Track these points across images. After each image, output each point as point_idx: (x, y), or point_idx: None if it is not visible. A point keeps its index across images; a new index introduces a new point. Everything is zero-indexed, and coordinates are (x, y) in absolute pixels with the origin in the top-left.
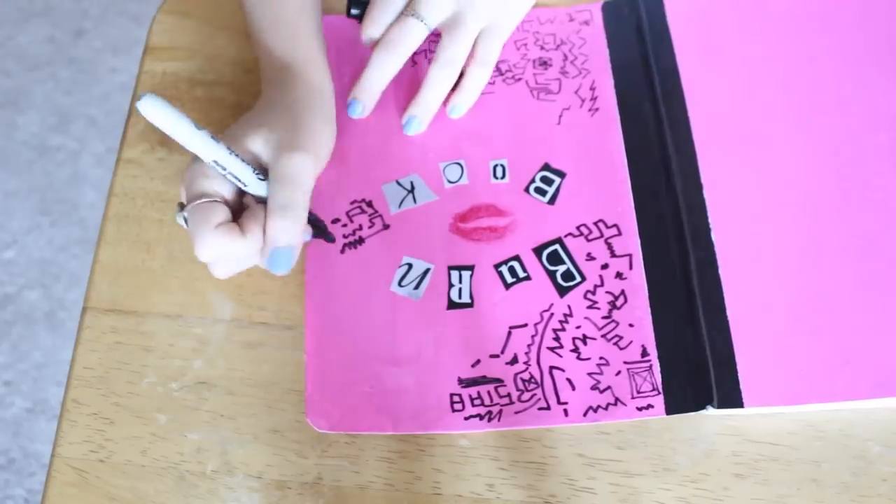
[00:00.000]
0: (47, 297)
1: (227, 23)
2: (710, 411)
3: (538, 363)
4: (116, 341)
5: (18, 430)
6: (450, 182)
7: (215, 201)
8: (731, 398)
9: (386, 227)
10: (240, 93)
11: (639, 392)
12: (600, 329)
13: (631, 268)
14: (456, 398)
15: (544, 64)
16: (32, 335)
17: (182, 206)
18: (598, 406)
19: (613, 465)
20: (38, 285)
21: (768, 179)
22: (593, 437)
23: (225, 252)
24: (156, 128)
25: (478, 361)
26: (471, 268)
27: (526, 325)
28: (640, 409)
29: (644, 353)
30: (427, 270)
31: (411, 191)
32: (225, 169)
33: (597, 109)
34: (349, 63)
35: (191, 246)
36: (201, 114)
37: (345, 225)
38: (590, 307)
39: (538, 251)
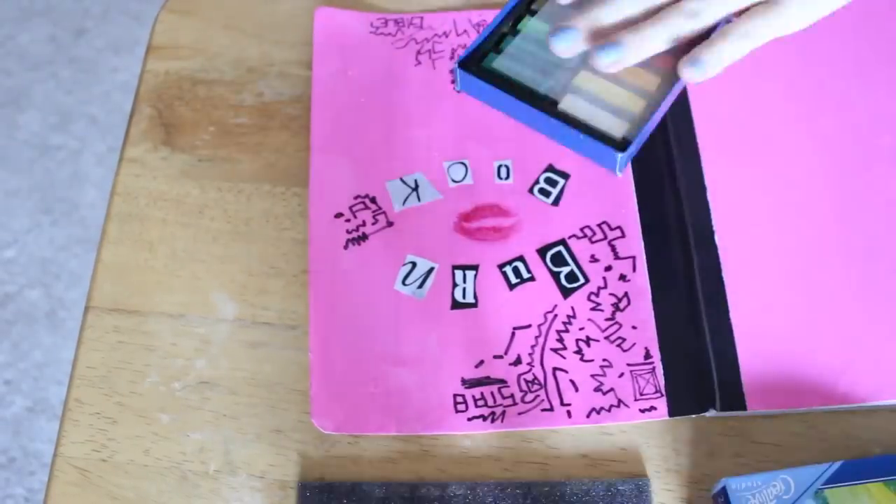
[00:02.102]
0: (48, 297)
1: (229, 22)
2: (712, 412)
3: (542, 364)
4: (119, 341)
5: (19, 429)
6: (454, 181)
7: None
8: (734, 401)
9: (390, 224)
10: (242, 92)
11: (642, 394)
12: (604, 331)
13: (634, 270)
14: (459, 399)
15: None
16: (33, 334)
17: None
18: (602, 408)
19: (616, 465)
20: (39, 284)
21: (772, 182)
22: (596, 438)
23: None
24: (158, 127)
25: (481, 362)
26: (475, 267)
27: (530, 325)
28: (642, 411)
29: (647, 355)
30: (431, 269)
31: (415, 189)
32: None
33: None
34: (353, 58)
35: (193, 246)
36: (203, 113)
37: (348, 220)
38: (593, 309)
39: (542, 252)
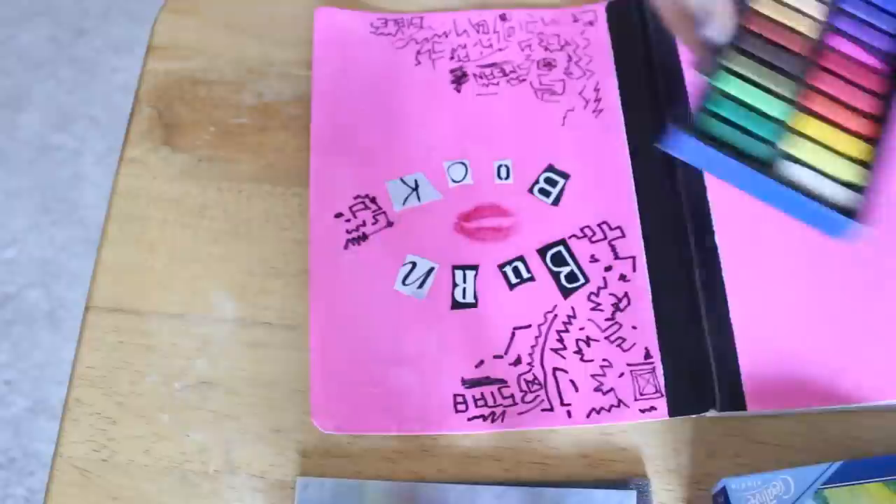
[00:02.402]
0: (48, 297)
1: (229, 22)
2: (712, 413)
3: (542, 364)
4: (119, 340)
5: (19, 429)
6: (454, 181)
7: None
8: (734, 401)
9: (390, 224)
10: (241, 92)
11: (642, 394)
12: (604, 331)
13: (634, 270)
14: (459, 399)
15: (548, 65)
16: (33, 334)
17: None
18: (602, 408)
19: (616, 465)
20: (39, 284)
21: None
22: (596, 438)
23: None
24: (158, 127)
25: (481, 362)
26: (475, 268)
27: (530, 326)
28: (642, 411)
29: (647, 355)
30: (431, 269)
31: (415, 189)
32: None
33: (601, 111)
34: (353, 58)
35: (193, 246)
36: (203, 113)
37: (348, 220)
38: (593, 309)
39: (542, 252)
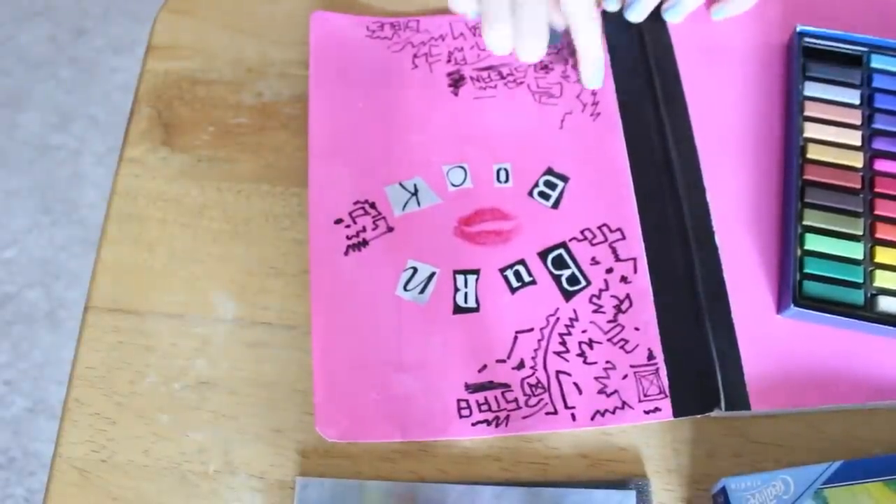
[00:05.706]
0: (48, 297)
1: (228, 22)
2: (714, 413)
3: (545, 368)
4: (118, 341)
5: (19, 429)
6: (453, 185)
7: None
8: (739, 401)
9: (390, 229)
10: (241, 92)
11: (646, 395)
12: (606, 333)
13: (635, 271)
14: (463, 404)
15: (545, 68)
16: (33, 334)
17: None
18: (606, 410)
19: (616, 465)
20: (39, 284)
21: (770, 181)
22: (596, 438)
23: None
24: (157, 127)
25: (484, 366)
26: (476, 272)
27: (532, 329)
28: (647, 412)
29: (650, 356)
30: (432, 274)
31: (415, 193)
32: None
33: (598, 114)
34: (350, 63)
35: (192, 246)
36: (202, 113)
37: (348, 226)
38: (595, 311)
39: (543, 255)
